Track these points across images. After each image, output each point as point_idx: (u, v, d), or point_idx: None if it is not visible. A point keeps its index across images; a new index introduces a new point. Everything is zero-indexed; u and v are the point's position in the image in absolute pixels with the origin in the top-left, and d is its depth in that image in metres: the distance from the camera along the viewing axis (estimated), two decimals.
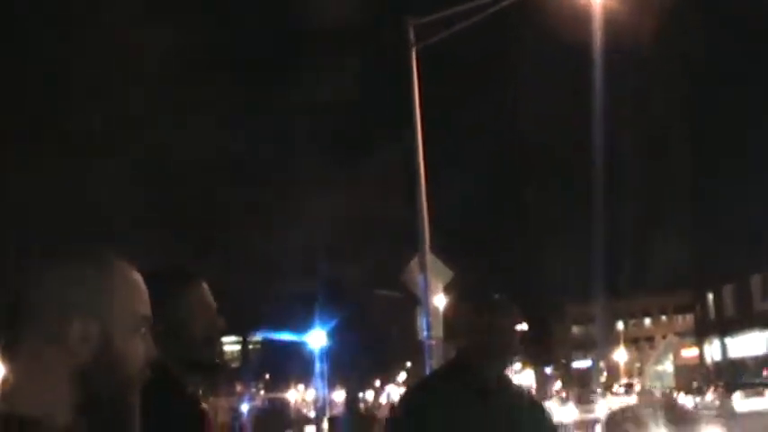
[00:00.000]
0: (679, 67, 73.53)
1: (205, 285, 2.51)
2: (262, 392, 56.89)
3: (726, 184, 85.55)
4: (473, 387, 2.94)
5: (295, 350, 49.98)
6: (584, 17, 14.95)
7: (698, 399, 45.69)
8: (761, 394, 40.72)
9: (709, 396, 44.04)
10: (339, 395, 53.79)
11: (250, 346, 66.37)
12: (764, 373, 50.42)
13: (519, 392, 3.24)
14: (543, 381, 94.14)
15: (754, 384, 44.94)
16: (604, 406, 46.84)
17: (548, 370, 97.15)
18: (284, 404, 46.13)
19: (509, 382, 3.17)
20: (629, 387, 63.09)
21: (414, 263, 14.46)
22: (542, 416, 3.22)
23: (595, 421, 40.44)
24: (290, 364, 54.58)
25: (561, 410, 47.18)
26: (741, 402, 41.06)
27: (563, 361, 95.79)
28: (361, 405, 51.07)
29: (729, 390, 43.45)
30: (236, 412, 40.17)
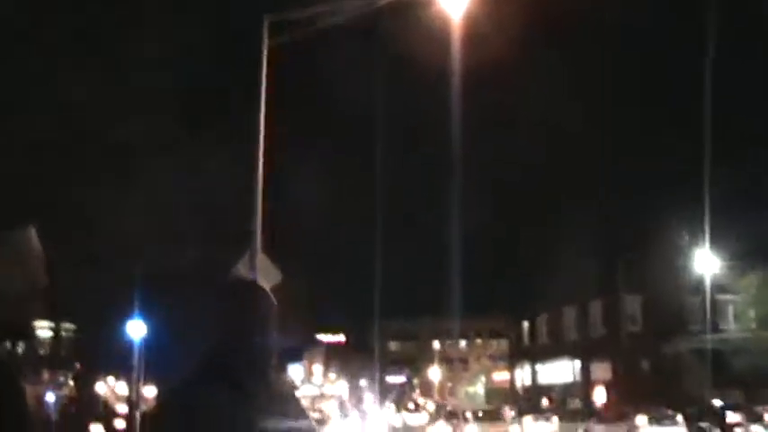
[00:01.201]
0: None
1: (33, 231, 2.13)
2: (71, 383, 54.54)
3: (552, 219, 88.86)
4: (237, 387, 2.85)
5: (112, 340, 48.03)
6: (441, 26, 15.12)
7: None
8: (548, 420, 44.86)
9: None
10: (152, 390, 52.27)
11: (62, 333, 63.45)
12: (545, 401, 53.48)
13: (282, 394, 3.15)
14: (356, 391, 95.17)
15: (542, 410, 48.92)
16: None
17: (362, 382, 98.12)
18: (93, 397, 44.42)
19: (272, 382, 3.05)
20: (417, 406, 65.36)
21: (244, 261, 14.14)
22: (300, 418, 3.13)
23: None
24: (106, 355, 52.56)
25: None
26: (530, 425, 45.11)
27: (379, 374, 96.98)
28: None
29: (521, 413, 46.98)
30: (41, 401, 38.31)
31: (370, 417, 63.09)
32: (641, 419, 37.80)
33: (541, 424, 46.38)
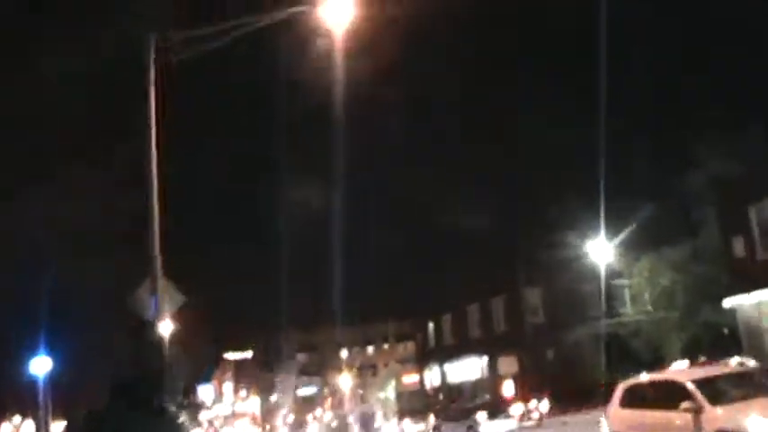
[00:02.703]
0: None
1: None
2: None
3: (448, 221, 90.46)
4: (144, 405, 3.06)
5: (14, 377, 46.35)
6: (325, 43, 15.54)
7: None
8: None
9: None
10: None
11: None
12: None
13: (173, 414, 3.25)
14: (269, 407, 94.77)
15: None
16: None
17: (274, 397, 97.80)
18: None
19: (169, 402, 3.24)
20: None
21: (145, 286, 13.80)
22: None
23: None
24: (10, 394, 50.83)
25: None
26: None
27: (290, 388, 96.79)
28: None
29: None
30: None
31: None
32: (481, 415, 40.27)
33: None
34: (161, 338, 3.15)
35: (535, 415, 40.98)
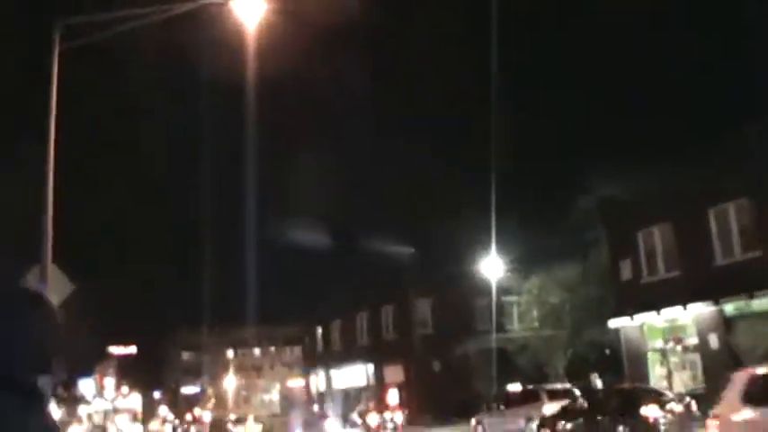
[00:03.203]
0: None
1: None
2: None
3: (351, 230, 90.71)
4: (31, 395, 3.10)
5: None
6: (236, 35, 15.32)
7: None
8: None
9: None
10: None
11: None
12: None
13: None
14: (150, 404, 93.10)
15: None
16: None
17: (156, 394, 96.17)
18: None
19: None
20: (164, 420, 66.21)
21: (33, 272, 13.72)
22: None
23: None
24: None
25: None
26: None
27: (173, 386, 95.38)
28: None
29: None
30: None
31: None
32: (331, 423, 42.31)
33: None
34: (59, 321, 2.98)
35: (390, 426, 42.17)
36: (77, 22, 14.71)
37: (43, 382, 2.65)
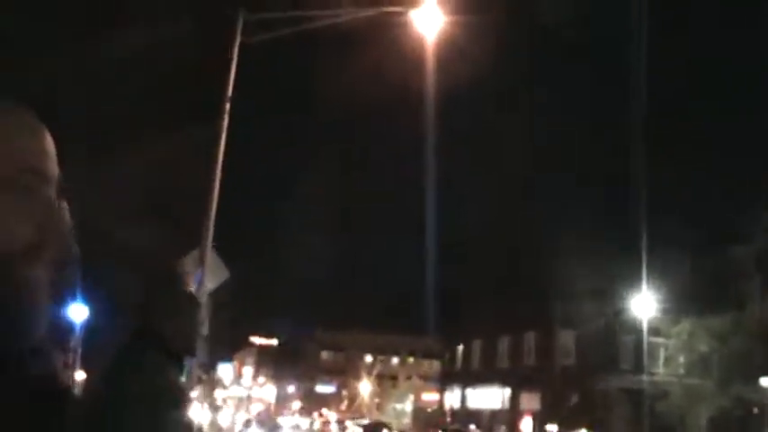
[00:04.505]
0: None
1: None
2: None
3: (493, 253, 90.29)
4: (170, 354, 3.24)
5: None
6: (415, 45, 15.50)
7: None
8: None
9: None
10: None
11: None
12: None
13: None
14: (285, 397, 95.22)
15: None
16: None
17: (291, 388, 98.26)
18: None
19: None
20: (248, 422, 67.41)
21: (192, 256, 13.89)
22: None
23: None
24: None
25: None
26: None
27: (308, 382, 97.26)
28: None
29: None
30: None
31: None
32: None
33: None
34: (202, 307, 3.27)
35: None
36: (260, 18, 15.20)
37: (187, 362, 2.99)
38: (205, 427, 50.21)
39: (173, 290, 3.45)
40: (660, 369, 46.08)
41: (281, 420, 74.67)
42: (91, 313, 38.89)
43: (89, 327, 39.91)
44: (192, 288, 14.11)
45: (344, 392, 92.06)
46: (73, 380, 40.43)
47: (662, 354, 46.36)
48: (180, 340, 3.20)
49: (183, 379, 3.47)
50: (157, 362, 3.07)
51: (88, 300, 38.25)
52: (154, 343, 3.12)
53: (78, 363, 40.94)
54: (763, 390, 32.76)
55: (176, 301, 3.33)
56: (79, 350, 39.93)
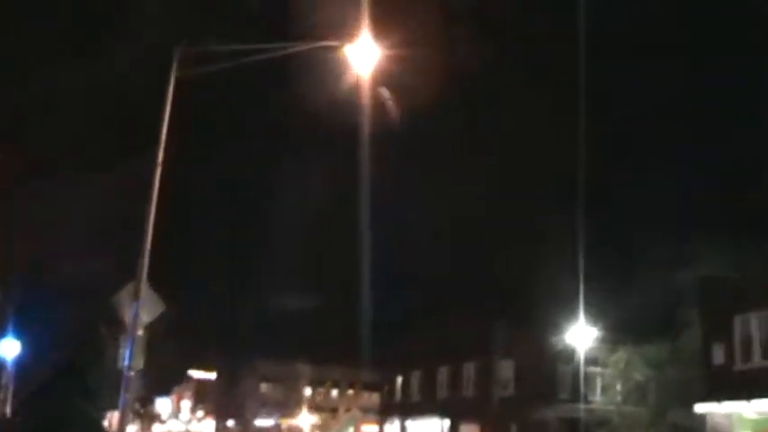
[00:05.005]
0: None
1: None
2: None
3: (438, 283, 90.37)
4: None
5: None
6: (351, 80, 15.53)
7: None
8: None
9: None
10: None
11: None
12: None
13: None
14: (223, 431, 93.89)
15: None
16: None
17: (230, 422, 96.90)
18: None
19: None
20: None
21: (127, 289, 13.96)
22: None
23: None
24: None
25: None
26: None
27: (247, 416, 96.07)
28: None
29: None
30: None
31: None
32: None
33: None
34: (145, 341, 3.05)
35: None
36: (195, 52, 15.17)
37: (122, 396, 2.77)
38: None
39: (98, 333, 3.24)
40: (598, 398, 46.26)
41: None
42: (24, 348, 37.81)
43: (21, 362, 38.84)
44: (127, 321, 13.96)
45: (284, 425, 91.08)
46: (4, 415, 39.28)
47: (599, 383, 46.57)
48: (102, 381, 3.01)
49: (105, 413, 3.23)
50: (71, 392, 2.88)
51: (21, 334, 37.30)
52: (75, 378, 2.95)
53: (10, 399, 39.78)
54: (697, 416, 32.91)
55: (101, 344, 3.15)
56: (11, 387, 38.83)
